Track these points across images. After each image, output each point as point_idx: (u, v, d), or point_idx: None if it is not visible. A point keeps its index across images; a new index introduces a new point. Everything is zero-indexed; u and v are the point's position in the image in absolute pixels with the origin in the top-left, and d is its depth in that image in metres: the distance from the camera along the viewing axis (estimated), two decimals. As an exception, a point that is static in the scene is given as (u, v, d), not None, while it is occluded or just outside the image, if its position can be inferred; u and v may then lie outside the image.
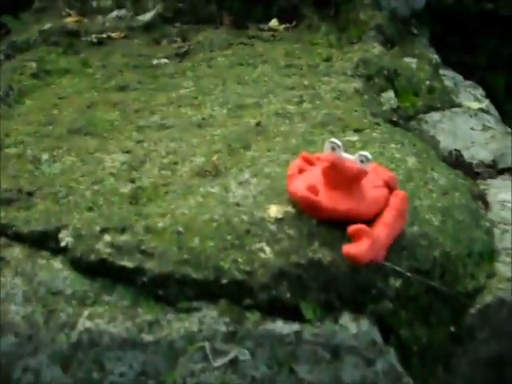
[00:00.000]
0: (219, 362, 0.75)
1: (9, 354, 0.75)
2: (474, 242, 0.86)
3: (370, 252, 0.74)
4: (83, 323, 0.76)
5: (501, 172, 1.11)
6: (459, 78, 1.56)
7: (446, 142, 1.19)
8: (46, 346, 0.75)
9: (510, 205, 0.97)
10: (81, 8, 1.81)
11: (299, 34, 1.65)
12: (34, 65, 1.42)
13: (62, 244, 0.82)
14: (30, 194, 0.91)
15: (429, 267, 0.81)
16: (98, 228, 0.82)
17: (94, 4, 1.83)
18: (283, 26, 1.70)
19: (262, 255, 0.79)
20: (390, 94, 1.30)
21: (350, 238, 0.75)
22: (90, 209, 0.87)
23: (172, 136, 1.06)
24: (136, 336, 0.75)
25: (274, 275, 0.78)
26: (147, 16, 1.76)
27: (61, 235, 0.83)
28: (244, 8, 1.77)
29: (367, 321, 0.78)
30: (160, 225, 0.82)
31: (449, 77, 1.53)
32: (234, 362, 0.75)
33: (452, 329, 0.81)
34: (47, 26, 1.62)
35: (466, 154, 1.15)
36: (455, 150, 1.15)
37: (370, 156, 0.77)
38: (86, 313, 0.77)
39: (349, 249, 0.75)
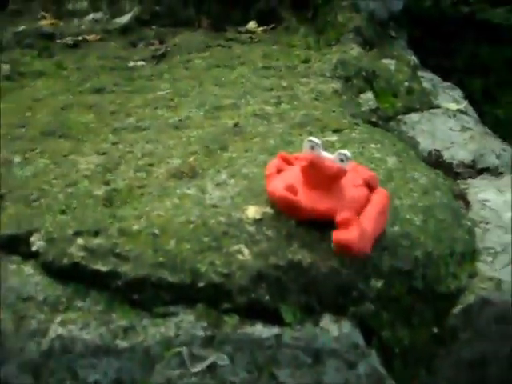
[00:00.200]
0: (197, 367, 0.73)
1: (-24, 363, 0.72)
2: (456, 241, 0.85)
3: (360, 240, 0.73)
4: (55, 330, 0.73)
5: (480, 172, 1.11)
6: (437, 79, 1.56)
7: (426, 143, 1.18)
8: (16, 354, 0.72)
9: (490, 204, 0.96)
10: (56, 11, 1.79)
11: (277, 36, 1.64)
12: (7, 67, 1.39)
13: (34, 248, 0.80)
14: (0, 196, 0.88)
15: (411, 267, 0.80)
16: (70, 231, 0.80)
17: (70, 7, 1.81)
18: (261, 28, 1.70)
19: (240, 257, 0.77)
20: (369, 95, 1.30)
21: (338, 227, 0.74)
22: (63, 212, 0.84)
23: (148, 138, 1.04)
24: (110, 342, 0.73)
25: (252, 277, 0.76)
26: (124, 19, 1.74)
27: (32, 239, 0.80)
28: (222, 11, 1.77)
29: (349, 323, 0.76)
30: (135, 227, 0.80)
31: (427, 78, 1.53)
32: (212, 368, 0.73)
33: (435, 330, 0.80)
34: (21, 28, 1.59)
35: (446, 155, 1.15)
36: (435, 150, 1.15)
37: (349, 154, 0.76)
38: (58, 319, 0.74)
39: (339, 235, 0.73)
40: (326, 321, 0.76)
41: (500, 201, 0.96)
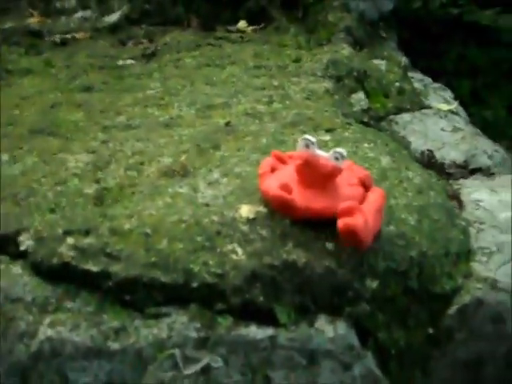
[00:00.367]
0: (190, 369, 0.71)
1: (-37, 366, 0.70)
2: (451, 241, 0.85)
3: (365, 227, 0.72)
4: (44, 332, 0.71)
5: (472, 172, 1.11)
6: (428, 80, 1.56)
7: (417, 143, 1.18)
8: (4, 357, 0.70)
9: (484, 204, 0.96)
10: (44, 8, 1.77)
11: (268, 35, 1.63)
12: (-7, 65, 1.37)
13: (22, 248, 0.78)
14: (-12, 195, 0.86)
15: (406, 267, 0.79)
16: (60, 230, 0.78)
17: (58, 4, 1.79)
18: (251, 27, 1.68)
19: (234, 257, 0.76)
20: (360, 95, 1.29)
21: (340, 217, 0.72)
22: (52, 210, 0.83)
23: (138, 136, 1.03)
24: (101, 344, 0.71)
25: (246, 277, 0.74)
26: (113, 17, 1.72)
27: (21, 238, 0.79)
28: (212, 10, 1.75)
29: (344, 324, 0.75)
30: (126, 226, 0.78)
31: (418, 79, 1.53)
32: (206, 370, 0.71)
33: (430, 330, 0.79)
34: (8, 25, 1.57)
35: (438, 155, 1.14)
36: (427, 150, 1.14)
37: (344, 153, 0.75)
38: (47, 320, 0.72)
39: (346, 220, 0.71)
40: (321, 321, 0.75)
41: (494, 201, 0.96)
